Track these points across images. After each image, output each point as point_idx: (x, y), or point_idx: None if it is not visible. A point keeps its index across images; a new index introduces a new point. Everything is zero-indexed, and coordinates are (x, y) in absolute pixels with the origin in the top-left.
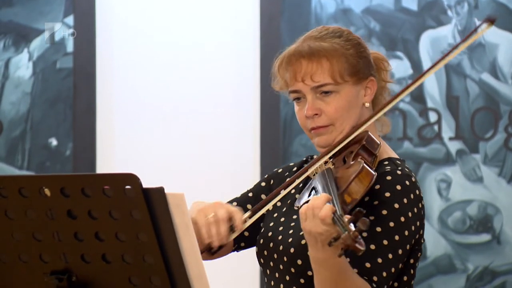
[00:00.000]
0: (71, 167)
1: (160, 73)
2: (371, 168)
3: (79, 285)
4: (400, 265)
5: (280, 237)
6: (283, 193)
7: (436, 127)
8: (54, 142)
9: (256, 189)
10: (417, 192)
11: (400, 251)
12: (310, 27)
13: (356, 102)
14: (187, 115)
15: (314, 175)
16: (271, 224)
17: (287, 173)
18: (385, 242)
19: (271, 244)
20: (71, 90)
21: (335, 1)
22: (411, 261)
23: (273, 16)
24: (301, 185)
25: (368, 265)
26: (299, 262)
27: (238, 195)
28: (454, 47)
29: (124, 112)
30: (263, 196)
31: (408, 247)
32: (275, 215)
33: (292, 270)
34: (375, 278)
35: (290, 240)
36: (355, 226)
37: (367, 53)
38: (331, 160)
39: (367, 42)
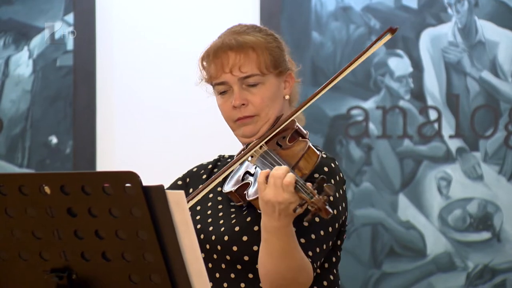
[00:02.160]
0: (71, 165)
1: (160, 71)
2: (315, 148)
3: (79, 283)
4: (330, 242)
5: (210, 228)
6: (213, 184)
7: (436, 125)
8: (54, 140)
9: (173, 187)
10: (341, 175)
11: (330, 229)
12: (310, 25)
13: (279, 94)
14: (187, 113)
15: (250, 158)
16: (198, 217)
17: (203, 171)
18: (317, 219)
19: (202, 236)
20: (71, 88)
21: None
22: (338, 242)
23: (273, 13)
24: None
25: (303, 240)
26: (235, 248)
27: None
28: (358, 56)
29: (124, 110)
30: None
31: (336, 225)
32: (199, 208)
33: (228, 257)
34: (310, 253)
35: (222, 229)
36: (319, 193)
37: (284, 48)
38: (265, 145)
39: (367, 40)
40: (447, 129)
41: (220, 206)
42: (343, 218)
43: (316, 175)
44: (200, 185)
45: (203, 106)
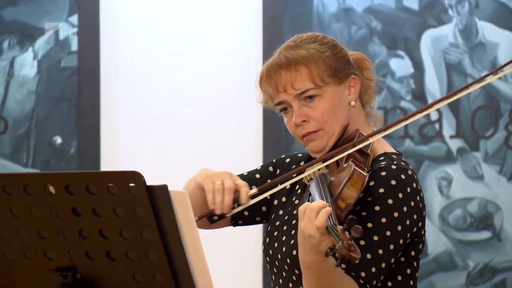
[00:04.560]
0: (75, 165)
1: (164, 72)
2: (362, 170)
3: (84, 282)
4: (393, 259)
5: (283, 238)
6: (286, 183)
7: (437, 125)
8: (58, 140)
9: (264, 172)
10: (414, 185)
11: (391, 246)
12: (312, 26)
13: (342, 102)
14: (190, 113)
15: (309, 181)
16: (277, 223)
17: (294, 166)
18: (375, 238)
19: (276, 244)
20: (76, 88)
21: (337, 1)
22: (412, 253)
23: (275, 15)
24: (299, 191)
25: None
26: (296, 271)
27: (245, 172)
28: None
29: (128, 110)
30: (268, 181)
31: (401, 241)
32: (281, 212)
33: (296, 271)
34: (362, 274)
35: (292, 242)
36: (349, 234)
37: (344, 53)
38: (324, 164)
39: (368, 42)
40: (448, 130)
41: (294, 222)
42: (415, 230)
43: (381, 190)
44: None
45: (207, 107)
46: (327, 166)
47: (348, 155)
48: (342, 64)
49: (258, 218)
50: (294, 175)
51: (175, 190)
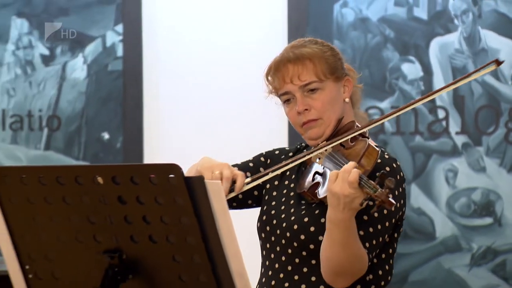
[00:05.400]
0: (121, 158)
1: (201, 74)
2: (374, 145)
3: (129, 262)
4: (386, 236)
5: (283, 216)
6: (281, 170)
7: (444, 123)
8: (106, 135)
9: (256, 161)
10: (401, 174)
11: (386, 223)
12: (332, 34)
13: (338, 97)
14: (225, 112)
15: (318, 159)
16: (273, 203)
17: (283, 156)
18: (376, 214)
19: (274, 221)
20: (121, 89)
21: (354, 11)
22: (395, 235)
23: (299, 25)
24: (293, 176)
25: (361, 232)
26: (302, 237)
27: (239, 162)
28: (461, 78)
29: (168, 108)
30: (261, 169)
31: (393, 220)
32: (275, 193)
33: (295, 244)
34: (367, 245)
35: (292, 218)
36: (381, 187)
37: (340, 56)
38: (330, 147)
39: (382, 48)
40: (454, 127)
41: (292, 202)
42: (400, 214)
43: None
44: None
45: (239, 106)
46: (332, 148)
47: (353, 137)
48: (339, 65)
49: (250, 201)
50: (288, 163)
51: (211, 181)
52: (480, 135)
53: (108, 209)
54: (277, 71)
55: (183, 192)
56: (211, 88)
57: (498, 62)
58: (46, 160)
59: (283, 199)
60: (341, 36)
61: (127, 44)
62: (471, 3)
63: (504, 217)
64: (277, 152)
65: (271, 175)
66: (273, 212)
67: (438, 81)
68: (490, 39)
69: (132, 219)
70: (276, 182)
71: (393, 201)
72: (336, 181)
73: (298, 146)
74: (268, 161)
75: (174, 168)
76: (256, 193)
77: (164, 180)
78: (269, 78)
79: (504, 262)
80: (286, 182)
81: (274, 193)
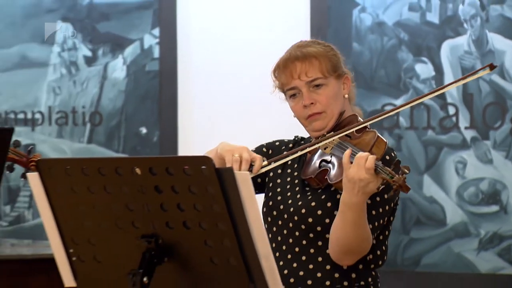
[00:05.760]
0: (157, 151)
1: (230, 72)
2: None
3: (164, 247)
4: (386, 218)
5: (289, 201)
6: (296, 155)
7: (454, 119)
8: (144, 130)
9: (259, 151)
10: (395, 155)
11: (387, 207)
12: (351, 37)
13: (339, 93)
14: (251, 107)
15: (325, 149)
16: (278, 190)
17: (283, 147)
18: (378, 198)
19: (281, 206)
20: (157, 88)
21: (371, 16)
22: (391, 218)
23: (321, 28)
24: (295, 165)
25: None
26: (310, 220)
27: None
28: (456, 81)
29: (201, 105)
30: (264, 159)
31: (392, 205)
32: (279, 181)
33: (302, 226)
34: (370, 226)
35: (299, 203)
36: (397, 172)
37: (340, 56)
38: (337, 137)
39: (398, 50)
40: (463, 122)
41: (297, 188)
42: (397, 199)
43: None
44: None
45: (264, 106)
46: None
47: (358, 129)
48: (339, 64)
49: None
50: (297, 151)
51: (239, 171)
52: (488, 130)
53: (146, 198)
54: (285, 68)
55: (214, 182)
56: (240, 86)
57: (492, 67)
58: (88, 152)
59: (288, 186)
60: (359, 39)
61: (163, 46)
62: (479, 8)
63: (509, 205)
64: (277, 143)
65: (289, 158)
66: (279, 198)
67: (449, 80)
68: (497, 41)
69: (167, 207)
70: (279, 171)
71: (409, 185)
72: (352, 167)
73: (296, 138)
74: (270, 151)
75: (206, 160)
76: (259, 180)
77: (197, 171)
78: (277, 74)
79: (509, 247)
80: (289, 171)
81: (278, 181)
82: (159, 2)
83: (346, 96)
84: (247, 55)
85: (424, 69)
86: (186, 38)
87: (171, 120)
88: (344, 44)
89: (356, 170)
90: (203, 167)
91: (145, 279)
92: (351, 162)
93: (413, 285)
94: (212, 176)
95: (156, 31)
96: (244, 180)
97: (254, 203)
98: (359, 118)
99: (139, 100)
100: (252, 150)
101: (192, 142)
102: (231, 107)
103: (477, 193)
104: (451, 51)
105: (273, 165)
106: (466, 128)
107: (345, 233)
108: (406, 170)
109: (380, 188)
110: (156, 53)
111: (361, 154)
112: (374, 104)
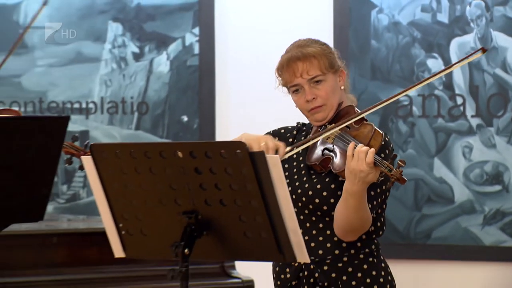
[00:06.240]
0: (197, 137)
1: (262, 67)
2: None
3: (203, 221)
4: (383, 197)
5: (297, 184)
6: (311, 143)
7: (461, 108)
8: (185, 118)
9: None
10: (391, 145)
11: (384, 187)
12: (370, 36)
13: (337, 86)
14: (281, 99)
15: (327, 139)
16: (286, 173)
17: (288, 134)
18: (378, 189)
19: (289, 188)
20: (197, 81)
21: (388, 16)
22: (387, 193)
23: (343, 27)
24: (300, 151)
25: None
26: (317, 200)
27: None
28: (449, 66)
29: (236, 96)
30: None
31: (388, 184)
32: (286, 166)
33: (310, 206)
34: (369, 206)
35: (306, 185)
36: (393, 165)
37: (335, 52)
38: (337, 129)
39: (411, 47)
40: (470, 111)
41: (303, 172)
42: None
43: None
44: (286, 145)
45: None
46: (342, 129)
47: (356, 121)
48: (335, 60)
49: None
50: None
51: (270, 155)
52: (491, 118)
53: (187, 178)
54: (288, 67)
55: (247, 164)
56: (270, 78)
57: (484, 50)
58: (136, 138)
59: (295, 170)
60: (377, 37)
61: (202, 44)
62: (484, 9)
63: (511, 185)
64: (282, 130)
65: (306, 145)
66: (287, 181)
67: (457, 73)
68: (500, 39)
69: (206, 186)
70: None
71: (405, 178)
72: (353, 160)
73: (298, 125)
74: (276, 138)
75: (241, 145)
76: None
77: (232, 155)
78: (280, 73)
79: (510, 222)
80: (295, 156)
81: (286, 166)
82: (199, 4)
83: (342, 87)
84: (277, 51)
85: (435, 64)
86: (223, 36)
87: (209, 109)
88: (363, 41)
89: (357, 163)
90: (238, 151)
91: (186, 250)
92: (352, 155)
93: (425, 256)
94: (246, 159)
95: (196, 30)
96: (274, 163)
97: (283, 183)
98: (356, 109)
99: (181, 92)
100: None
101: (228, 128)
102: (262, 97)
103: (482, 174)
104: (459, 47)
105: (294, 151)
106: (472, 116)
107: (348, 216)
108: (402, 164)
109: (380, 180)
110: (196, 49)
111: (362, 148)
112: (390, 95)
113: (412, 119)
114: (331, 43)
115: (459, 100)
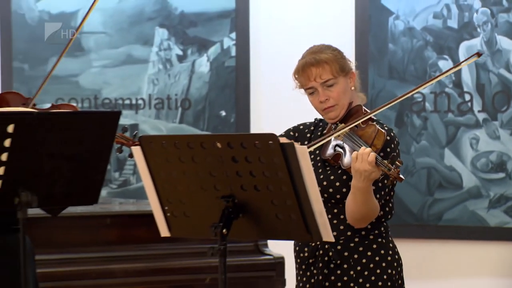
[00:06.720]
0: (234, 129)
1: (292, 69)
2: (381, 128)
3: (239, 205)
4: (390, 186)
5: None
6: (325, 140)
7: (469, 104)
8: (223, 113)
9: (287, 135)
10: (397, 139)
11: (386, 181)
12: (387, 39)
13: (347, 87)
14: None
15: (338, 136)
16: None
17: (306, 130)
18: (379, 183)
19: None
20: (234, 80)
21: (403, 22)
22: (395, 182)
23: (363, 32)
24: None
25: (373, 187)
26: (331, 190)
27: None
28: (449, 69)
29: (269, 93)
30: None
31: (388, 181)
32: None
33: (325, 195)
34: (377, 196)
35: (321, 177)
36: (392, 165)
37: (345, 56)
38: (347, 129)
39: (424, 49)
40: (476, 106)
41: (319, 164)
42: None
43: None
44: (304, 140)
45: None
46: (352, 128)
47: (363, 122)
48: (346, 63)
49: None
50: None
51: (299, 146)
52: (496, 113)
53: (225, 166)
54: (303, 72)
55: (279, 154)
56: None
57: (479, 54)
58: (180, 130)
59: (312, 163)
60: (394, 40)
61: (238, 47)
62: (490, 16)
63: None
64: (301, 126)
65: (323, 142)
66: None
67: (465, 73)
68: (504, 42)
69: (242, 173)
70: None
71: (402, 177)
72: (357, 161)
73: (315, 121)
74: (296, 134)
75: (272, 137)
76: None
77: (265, 145)
78: (297, 76)
79: None
80: (311, 150)
81: None
82: (236, 11)
83: (353, 88)
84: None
85: (446, 65)
86: (257, 40)
87: (245, 105)
88: (381, 45)
89: (360, 163)
90: (270, 142)
91: (224, 230)
92: (356, 158)
93: (436, 236)
94: (277, 149)
95: (233, 35)
96: (303, 153)
97: (311, 171)
98: (364, 108)
99: (219, 89)
100: (281, 134)
101: (261, 122)
102: (291, 94)
103: (487, 163)
104: (467, 50)
105: (314, 146)
106: (479, 111)
107: (357, 208)
108: (399, 164)
109: (381, 177)
110: (233, 52)
111: (364, 150)
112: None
113: (425, 114)
114: (353, 47)
115: (467, 97)
